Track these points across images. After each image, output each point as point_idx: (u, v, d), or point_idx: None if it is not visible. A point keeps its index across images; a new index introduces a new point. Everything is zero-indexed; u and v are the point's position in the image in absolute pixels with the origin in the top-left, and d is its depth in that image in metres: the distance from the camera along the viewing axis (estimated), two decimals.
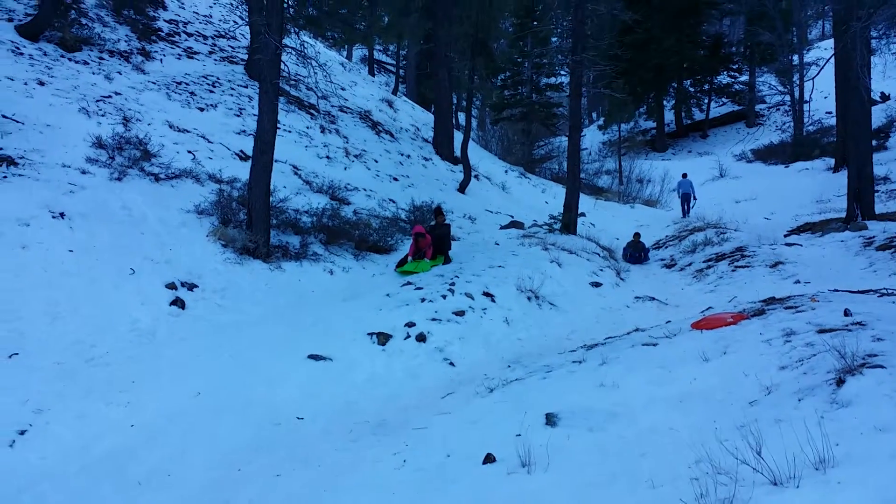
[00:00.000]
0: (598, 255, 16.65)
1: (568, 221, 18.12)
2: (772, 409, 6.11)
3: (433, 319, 11.02)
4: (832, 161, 31.54)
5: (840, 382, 6.02)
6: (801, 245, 16.76)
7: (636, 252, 18.15)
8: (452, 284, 12.34)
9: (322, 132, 20.90)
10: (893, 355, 6.36)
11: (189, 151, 14.83)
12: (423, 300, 11.54)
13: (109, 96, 15.83)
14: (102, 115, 14.53)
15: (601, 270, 15.45)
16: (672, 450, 5.88)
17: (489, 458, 6.59)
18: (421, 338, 10.55)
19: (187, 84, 19.15)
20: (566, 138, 21.71)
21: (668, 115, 50.52)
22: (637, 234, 18.67)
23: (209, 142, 15.92)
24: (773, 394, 6.47)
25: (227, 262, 11.65)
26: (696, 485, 4.88)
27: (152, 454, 7.30)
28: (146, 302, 9.94)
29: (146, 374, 8.57)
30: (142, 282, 10.21)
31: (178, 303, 10.24)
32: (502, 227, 19.38)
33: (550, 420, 7.26)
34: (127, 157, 12.98)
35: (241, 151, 16.16)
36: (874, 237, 15.61)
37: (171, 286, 10.46)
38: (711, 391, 7.08)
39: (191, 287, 10.71)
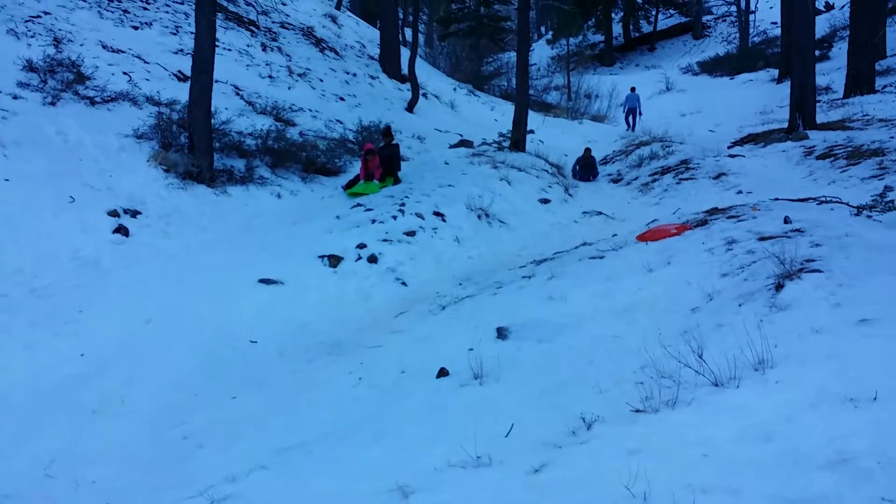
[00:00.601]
0: (547, 171, 16.73)
1: (517, 139, 18.09)
2: (713, 315, 6.34)
3: (384, 240, 11.04)
4: (776, 72, 31.83)
5: (779, 287, 6.26)
6: (744, 156, 17.07)
7: (586, 169, 18.07)
8: (403, 205, 12.32)
9: (263, 50, 20.25)
10: (831, 260, 6.61)
11: (125, 73, 14.25)
12: (373, 221, 11.52)
13: (38, 16, 15.01)
14: (32, 37, 13.81)
15: (550, 187, 15.56)
16: (618, 357, 6.10)
17: (443, 373, 6.75)
18: (372, 259, 10.57)
19: (120, 1, 18.25)
20: (515, 54, 21.45)
21: (617, 29, 50.15)
22: (588, 150, 18.51)
23: (145, 62, 15.30)
24: (715, 300, 6.71)
25: (170, 188, 11.39)
26: (641, 388, 5.08)
27: (105, 382, 7.28)
28: (88, 230, 9.70)
29: (93, 303, 8.45)
30: (82, 210, 9.93)
31: (122, 230, 10.03)
32: (452, 146, 19.26)
33: (502, 334, 7.44)
34: (60, 81, 12.42)
35: (180, 72, 15.60)
36: (814, 147, 15.96)
37: (114, 213, 10.21)
38: (656, 300, 7.30)
39: (134, 214, 10.48)
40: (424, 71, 26.23)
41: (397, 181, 14.12)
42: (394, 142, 15.30)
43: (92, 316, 8.21)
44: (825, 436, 4.05)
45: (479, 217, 12.70)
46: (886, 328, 5.13)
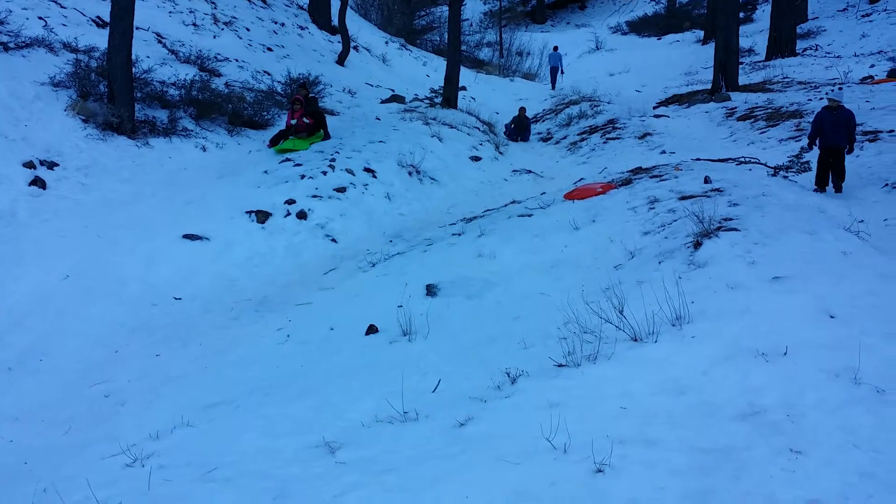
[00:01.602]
0: (479, 129, 16.73)
1: (449, 95, 17.98)
2: (634, 272, 6.54)
3: (314, 196, 10.89)
4: (702, 33, 32.41)
5: (697, 245, 6.48)
6: (669, 116, 17.40)
7: (520, 130, 17.89)
8: (333, 160, 12.15)
9: None
10: (748, 219, 6.87)
11: (40, 17, 13.49)
12: (302, 177, 11.34)
13: None
14: None
15: (481, 145, 15.59)
16: (543, 313, 6.24)
17: (372, 329, 6.79)
18: (301, 215, 10.44)
19: None
20: (447, 8, 21.20)
21: None
22: (522, 109, 18.39)
23: (62, 7, 14.51)
24: (637, 258, 6.91)
25: (89, 139, 10.92)
26: (564, 344, 5.22)
27: (21, 339, 7.04)
28: (2, 182, 9.23)
29: (8, 257, 8.10)
30: None
31: (38, 182, 9.60)
32: (383, 102, 19.02)
33: (431, 291, 7.50)
34: None
35: (98, 17, 14.87)
36: (736, 108, 16.39)
37: (29, 165, 9.75)
38: (580, 257, 7.47)
39: (51, 165, 10.03)
40: (355, 23, 25.70)
41: (327, 136, 13.84)
42: (310, 95, 14.93)
43: (7, 270, 7.88)
44: (737, 388, 4.26)
45: (410, 174, 12.65)
46: (798, 285, 5.39)
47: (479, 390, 4.95)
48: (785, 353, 4.47)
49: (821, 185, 9.50)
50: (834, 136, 9.37)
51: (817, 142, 9.65)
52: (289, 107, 13.92)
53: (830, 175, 9.47)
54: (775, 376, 4.30)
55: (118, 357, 7.02)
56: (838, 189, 9.41)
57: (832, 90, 10.33)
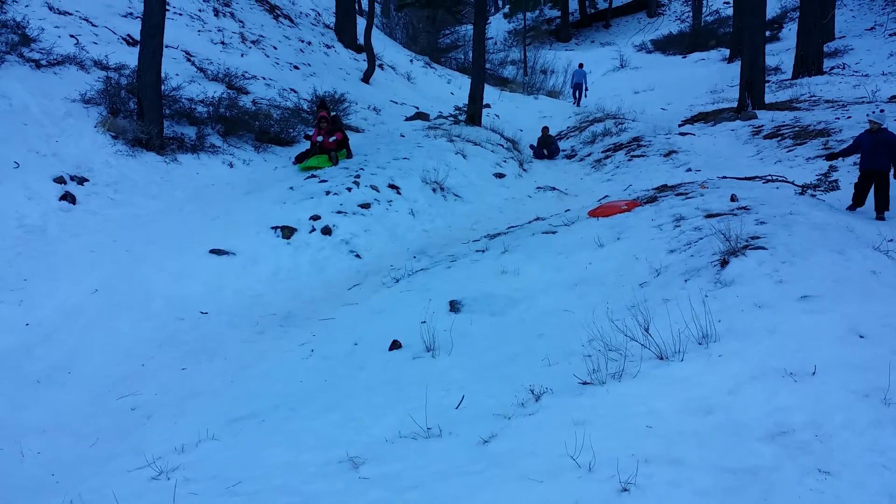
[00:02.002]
0: (503, 146, 16.77)
1: (473, 113, 18.05)
2: (660, 290, 6.49)
3: (339, 212, 10.97)
4: (727, 52, 32.27)
5: (724, 263, 6.43)
6: (695, 134, 17.33)
7: (546, 147, 17.91)
8: (357, 177, 12.23)
9: (216, 15, 19.76)
10: (775, 237, 6.81)
11: (72, 36, 13.79)
12: (327, 193, 11.42)
13: None
14: None
15: (505, 162, 15.61)
16: (567, 330, 6.21)
17: (395, 345, 6.79)
18: (326, 231, 10.51)
19: None
20: (472, 27, 21.33)
21: (573, 4, 50.16)
22: (546, 129, 18.41)
23: (93, 25, 14.82)
24: (662, 275, 6.86)
25: (118, 155, 11.11)
26: (588, 361, 5.20)
27: (50, 352, 7.15)
28: (34, 197, 9.43)
29: (39, 272, 8.25)
30: (28, 176, 9.63)
31: (69, 197, 9.77)
32: (407, 119, 19.14)
33: (454, 307, 7.50)
34: (4, 43, 11.97)
35: (129, 36, 15.16)
36: (762, 126, 16.29)
37: (60, 180, 9.94)
38: (605, 275, 7.44)
39: (81, 181, 10.21)
40: (381, 41, 25.95)
41: (350, 154, 13.89)
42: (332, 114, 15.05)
43: (37, 285, 8.02)
44: (765, 408, 4.21)
45: (434, 190, 12.70)
46: (827, 304, 5.32)
47: (502, 407, 4.93)
48: (813, 373, 4.42)
49: (854, 205, 9.24)
50: (874, 159, 9.03)
51: (858, 165, 9.29)
52: (314, 124, 13.99)
53: (874, 200, 9.08)
54: (803, 396, 4.24)
55: (145, 370, 7.09)
56: (880, 217, 8.97)
57: (873, 112, 9.90)
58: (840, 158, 9.47)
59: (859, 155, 9.36)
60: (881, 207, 9.03)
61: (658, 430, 4.15)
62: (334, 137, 13.52)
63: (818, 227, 7.29)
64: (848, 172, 11.24)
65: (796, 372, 4.46)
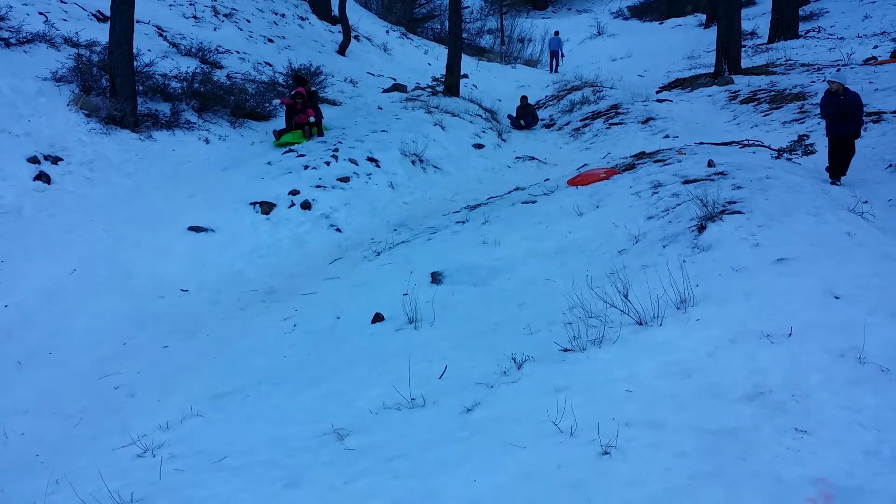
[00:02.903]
0: (481, 116, 16.72)
1: (451, 83, 17.96)
2: (639, 257, 6.55)
3: (318, 186, 10.91)
4: (704, 17, 32.25)
5: (701, 229, 6.49)
6: (672, 101, 17.36)
7: (525, 117, 17.69)
8: (336, 151, 12.16)
9: None
10: (751, 202, 6.87)
11: (41, 13, 13.51)
12: (306, 167, 11.35)
13: None
14: None
15: (483, 132, 15.59)
16: (548, 299, 6.26)
17: (378, 318, 6.82)
18: (306, 205, 10.46)
19: None
20: None
21: None
22: (524, 98, 18.25)
23: (62, 2, 14.52)
24: (641, 242, 6.92)
25: (92, 133, 10.95)
26: (569, 329, 5.25)
27: (30, 333, 7.10)
28: (7, 177, 9.28)
29: (15, 253, 8.15)
30: (0, 156, 9.49)
31: (43, 177, 9.64)
32: (385, 91, 19.00)
33: (436, 278, 7.52)
34: None
35: (99, 12, 14.87)
36: (739, 91, 16.34)
37: (34, 160, 9.78)
38: (585, 243, 7.49)
39: (55, 160, 10.06)
40: (356, 12, 25.63)
41: (321, 133, 13.64)
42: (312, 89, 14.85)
43: (14, 266, 7.93)
44: (743, 370, 4.28)
45: (413, 163, 12.66)
46: (803, 267, 5.40)
47: (485, 376, 4.98)
48: (790, 335, 4.49)
49: (836, 177, 8.83)
50: (840, 124, 8.66)
51: (826, 130, 8.95)
52: (289, 99, 13.73)
53: (834, 163, 8.83)
54: (780, 357, 4.31)
55: (127, 349, 7.07)
56: (836, 181, 8.74)
57: (833, 71, 9.37)
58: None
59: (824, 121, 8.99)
60: (840, 172, 8.79)
61: (638, 395, 4.21)
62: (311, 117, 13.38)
63: (794, 190, 7.37)
64: (824, 136, 11.33)
65: (773, 334, 4.52)
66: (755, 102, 15.00)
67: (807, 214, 6.49)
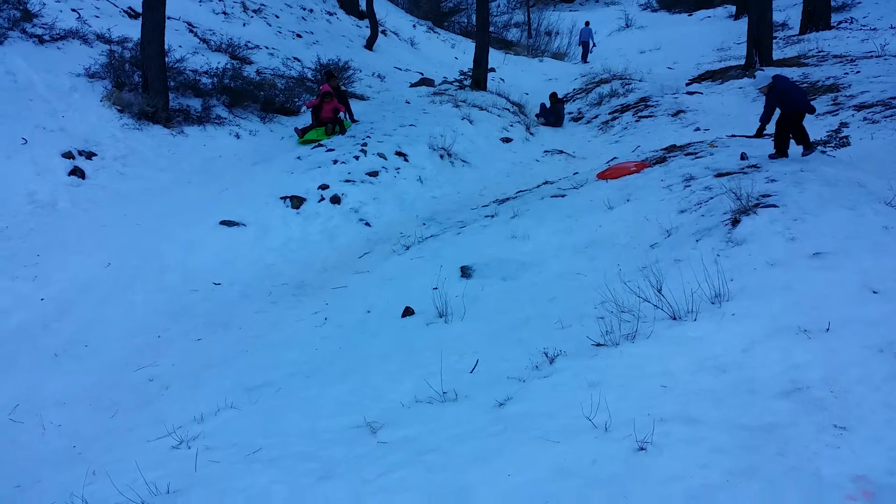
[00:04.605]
0: (509, 110, 16.64)
1: (478, 77, 17.90)
2: (671, 251, 6.48)
3: (347, 181, 10.95)
4: (733, 8, 31.78)
5: (735, 222, 6.41)
6: (702, 93, 17.13)
7: (555, 115, 17.12)
8: (364, 145, 12.19)
9: None
10: (786, 195, 6.77)
11: (73, 10, 13.71)
12: (335, 162, 11.40)
13: None
14: None
15: (511, 126, 15.52)
16: (579, 293, 6.22)
17: (408, 312, 6.83)
18: (335, 199, 10.51)
19: None
20: None
21: None
22: (553, 94, 17.98)
23: None
24: (673, 236, 6.85)
25: (125, 129, 11.10)
26: (601, 323, 5.21)
27: (66, 326, 7.21)
28: (42, 172, 9.45)
29: (51, 247, 8.29)
30: (35, 151, 9.64)
31: (78, 172, 9.79)
32: (412, 85, 19.01)
33: (466, 272, 7.52)
34: (6, 19, 11.90)
35: (130, 8, 15.05)
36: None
37: (68, 155, 9.94)
38: (615, 237, 7.43)
39: (89, 155, 10.21)
40: (383, 7, 25.67)
41: (343, 130, 13.58)
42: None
43: (50, 259, 8.07)
44: (780, 366, 4.22)
45: (441, 157, 12.65)
46: (839, 261, 5.31)
47: (517, 370, 4.97)
48: (827, 330, 4.42)
49: (780, 154, 8.59)
50: (797, 101, 8.38)
51: (782, 115, 8.55)
52: (318, 96, 13.70)
53: (796, 138, 8.51)
54: (818, 353, 4.25)
55: (161, 342, 7.16)
56: (811, 149, 8.54)
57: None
58: (764, 130, 8.90)
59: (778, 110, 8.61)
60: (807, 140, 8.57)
61: (673, 390, 4.18)
62: (341, 111, 13.41)
63: (829, 183, 7.24)
64: (858, 128, 11.14)
65: (810, 329, 4.46)
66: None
67: (842, 208, 6.37)
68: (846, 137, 10.11)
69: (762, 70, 9.89)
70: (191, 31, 15.82)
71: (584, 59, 27.16)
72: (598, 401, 4.04)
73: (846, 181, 7.51)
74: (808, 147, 8.57)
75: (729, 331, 4.67)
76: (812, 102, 13.51)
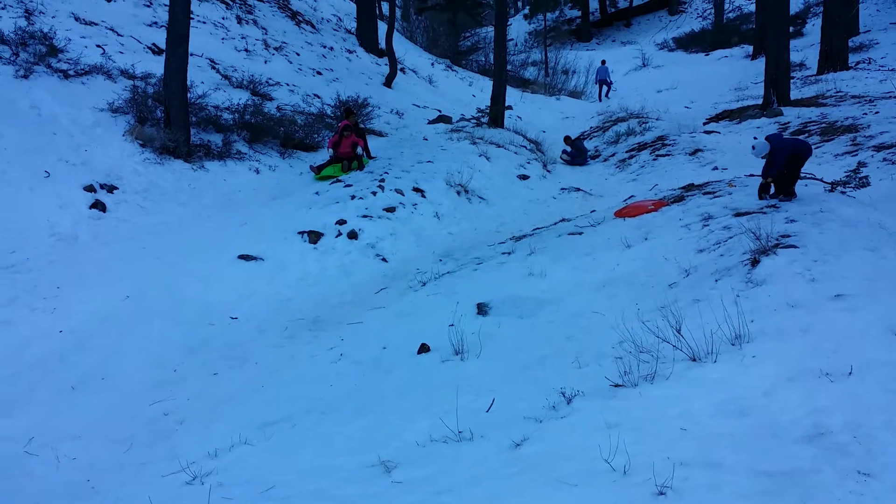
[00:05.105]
0: (526, 147, 16.73)
1: (495, 115, 18.05)
2: (690, 290, 6.43)
3: (364, 216, 11.01)
4: (751, 48, 31.93)
5: (755, 263, 6.36)
6: (720, 132, 17.17)
7: (578, 155, 17.11)
8: (382, 181, 12.28)
9: (239, 23, 19.95)
10: (806, 235, 6.72)
11: (98, 46, 14.00)
12: (353, 197, 11.48)
13: None
14: (3, 9, 13.47)
15: (528, 163, 15.59)
16: (597, 332, 6.18)
17: (424, 348, 6.80)
18: (352, 235, 10.55)
19: None
20: (492, 29, 21.33)
21: (593, 4, 49.94)
22: (568, 137, 17.75)
23: (119, 35, 15.03)
24: (692, 275, 6.80)
25: (147, 163, 11.25)
26: (620, 363, 5.16)
27: (84, 359, 7.24)
28: (65, 205, 9.58)
29: (71, 279, 8.37)
30: (58, 184, 9.79)
31: (99, 205, 9.92)
32: (430, 122, 19.19)
33: (482, 309, 7.49)
34: (32, 53, 12.17)
35: (154, 45, 15.35)
36: (789, 123, 16.10)
37: (90, 188, 10.09)
38: (633, 275, 7.39)
39: (110, 189, 10.35)
40: (402, 45, 26.03)
41: (361, 166, 13.66)
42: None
43: (70, 292, 8.13)
44: (802, 410, 4.15)
45: (458, 193, 12.70)
46: (861, 303, 5.24)
47: (533, 410, 4.91)
48: (850, 373, 4.35)
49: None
50: (798, 148, 8.41)
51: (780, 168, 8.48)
52: (336, 132, 13.85)
53: (788, 180, 8.53)
54: (841, 397, 4.18)
55: (177, 376, 7.17)
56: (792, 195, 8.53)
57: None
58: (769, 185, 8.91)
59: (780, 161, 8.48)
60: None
61: (693, 433, 4.11)
62: (360, 146, 13.55)
63: (849, 224, 7.19)
64: (878, 168, 11.09)
65: (832, 372, 4.39)
66: (806, 134, 14.75)
67: (864, 249, 6.32)
68: (866, 178, 10.04)
69: (756, 139, 9.88)
70: (213, 67, 16.08)
71: (601, 98, 27.36)
72: (617, 443, 3.98)
73: (867, 222, 7.45)
74: (791, 195, 8.50)
75: (750, 373, 4.61)
76: (831, 142, 13.61)
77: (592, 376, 5.24)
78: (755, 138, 11.50)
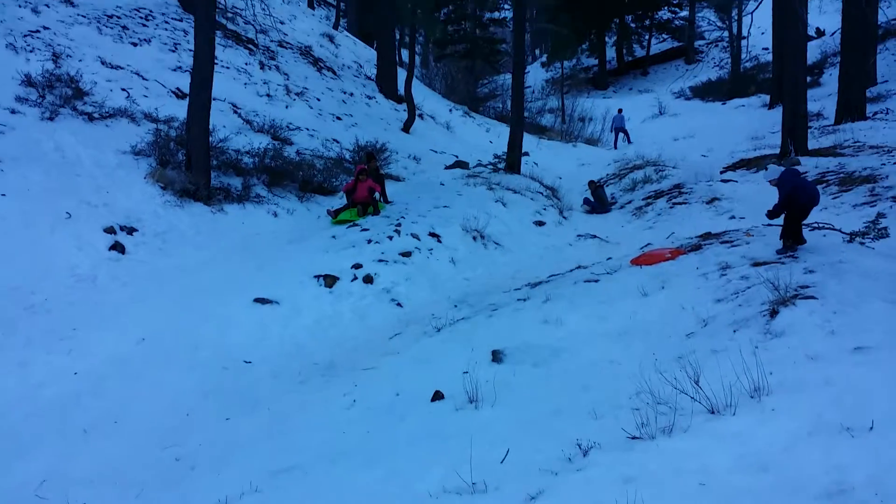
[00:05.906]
0: (542, 194, 16.78)
1: (512, 161, 18.16)
2: (708, 341, 6.36)
3: (380, 261, 11.04)
4: (768, 98, 32.08)
5: (774, 314, 6.30)
6: (737, 181, 17.14)
7: (601, 205, 17.05)
8: (398, 225, 12.34)
9: (261, 69, 20.34)
10: (825, 286, 6.66)
11: (123, 89, 14.31)
12: (369, 241, 11.53)
13: (38, 31, 15.06)
14: (31, 51, 13.85)
15: (545, 209, 15.62)
16: (613, 382, 6.10)
17: (437, 396, 6.74)
18: (368, 279, 10.57)
19: (119, 17, 18.31)
20: (510, 76, 21.58)
21: (610, 53, 50.56)
22: (592, 182, 17.77)
23: (144, 79, 15.36)
24: (710, 325, 6.73)
25: (167, 206, 11.39)
26: (637, 415, 5.08)
27: (98, 401, 7.24)
28: (84, 247, 9.69)
29: (88, 321, 8.42)
30: (79, 226, 9.93)
31: (118, 247, 10.02)
32: (447, 167, 19.34)
33: (497, 357, 7.44)
34: (58, 96, 12.46)
35: (178, 89, 15.66)
36: (807, 172, 16.03)
37: (110, 230, 10.21)
38: (650, 325, 7.32)
39: (130, 231, 10.47)
40: (420, 92, 26.38)
41: (377, 211, 13.73)
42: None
43: (87, 333, 8.17)
44: (822, 466, 4.05)
45: (474, 238, 12.72)
46: (882, 355, 5.16)
47: (549, 462, 4.83)
48: (871, 428, 4.26)
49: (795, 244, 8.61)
50: (808, 192, 8.47)
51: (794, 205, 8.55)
52: (354, 176, 13.98)
53: (795, 229, 8.60)
54: (862, 452, 4.08)
55: (189, 421, 7.13)
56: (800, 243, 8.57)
57: (768, 167, 9.18)
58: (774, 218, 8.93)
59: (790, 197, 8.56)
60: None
61: (711, 488, 4.02)
62: (377, 191, 13.68)
63: (869, 275, 7.12)
64: None
65: (853, 427, 4.30)
66: (824, 184, 14.69)
67: (883, 301, 6.24)
68: (885, 229, 9.94)
69: (773, 163, 9.89)
70: (235, 111, 16.36)
71: (616, 144, 27.56)
72: (634, 498, 3.90)
73: (886, 273, 7.38)
74: (800, 241, 8.54)
75: (769, 426, 4.52)
76: (849, 192, 13.55)
77: (609, 427, 5.16)
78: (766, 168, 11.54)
